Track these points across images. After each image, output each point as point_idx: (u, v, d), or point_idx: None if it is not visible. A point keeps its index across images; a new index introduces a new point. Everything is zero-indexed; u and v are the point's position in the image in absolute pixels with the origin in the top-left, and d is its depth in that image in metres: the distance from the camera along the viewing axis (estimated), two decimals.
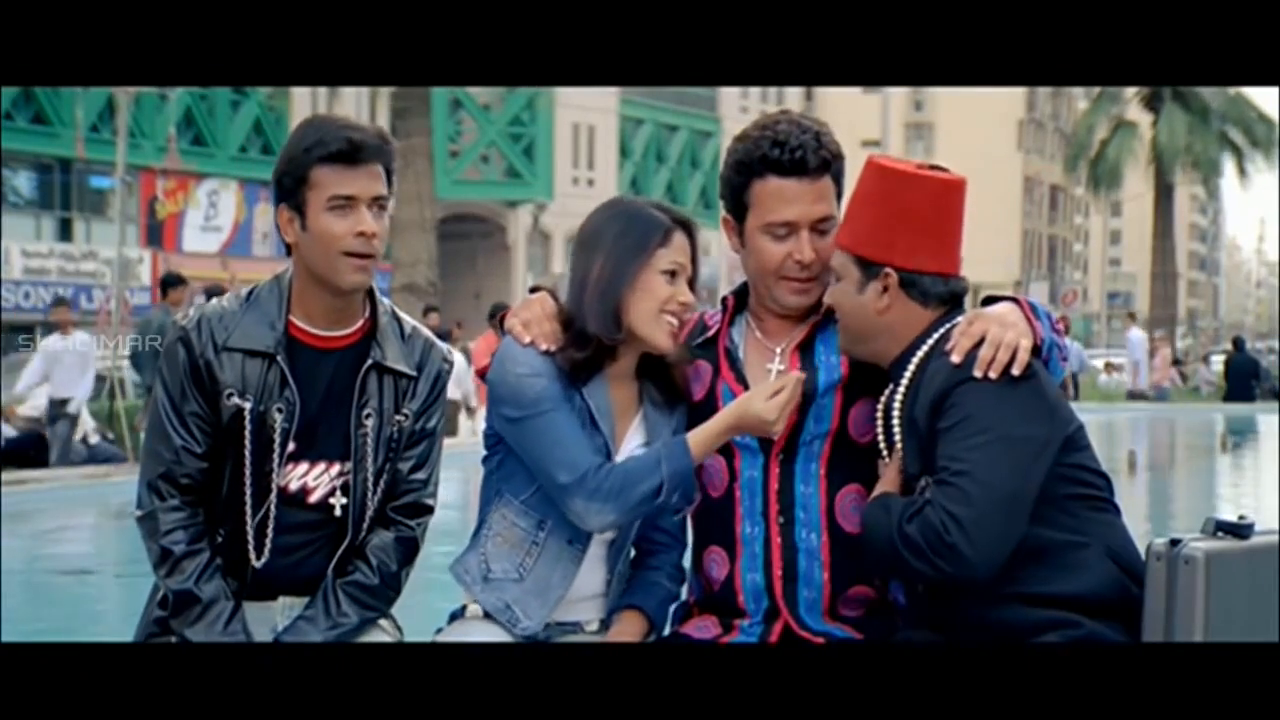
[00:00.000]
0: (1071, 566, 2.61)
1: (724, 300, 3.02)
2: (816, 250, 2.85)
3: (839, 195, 2.90)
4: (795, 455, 2.86)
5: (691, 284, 2.88)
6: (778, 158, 2.82)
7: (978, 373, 2.60)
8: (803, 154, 2.82)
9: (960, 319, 2.73)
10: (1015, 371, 2.61)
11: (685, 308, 2.86)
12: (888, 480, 2.73)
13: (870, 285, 2.75)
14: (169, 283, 14.09)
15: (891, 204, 2.74)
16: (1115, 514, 2.71)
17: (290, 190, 2.82)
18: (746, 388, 2.88)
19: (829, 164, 2.85)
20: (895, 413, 2.74)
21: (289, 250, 2.89)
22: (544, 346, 2.85)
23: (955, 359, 2.62)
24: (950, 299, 2.78)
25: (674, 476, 2.76)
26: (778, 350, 2.93)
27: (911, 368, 2.73)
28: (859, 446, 2.86)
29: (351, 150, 2.78)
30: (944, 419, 2.61)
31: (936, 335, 2.73)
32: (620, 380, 2.91)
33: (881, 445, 2.80)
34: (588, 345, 2.84)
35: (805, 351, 2.91)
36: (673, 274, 2.84)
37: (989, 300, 2.78)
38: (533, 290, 3.02)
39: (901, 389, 2.73)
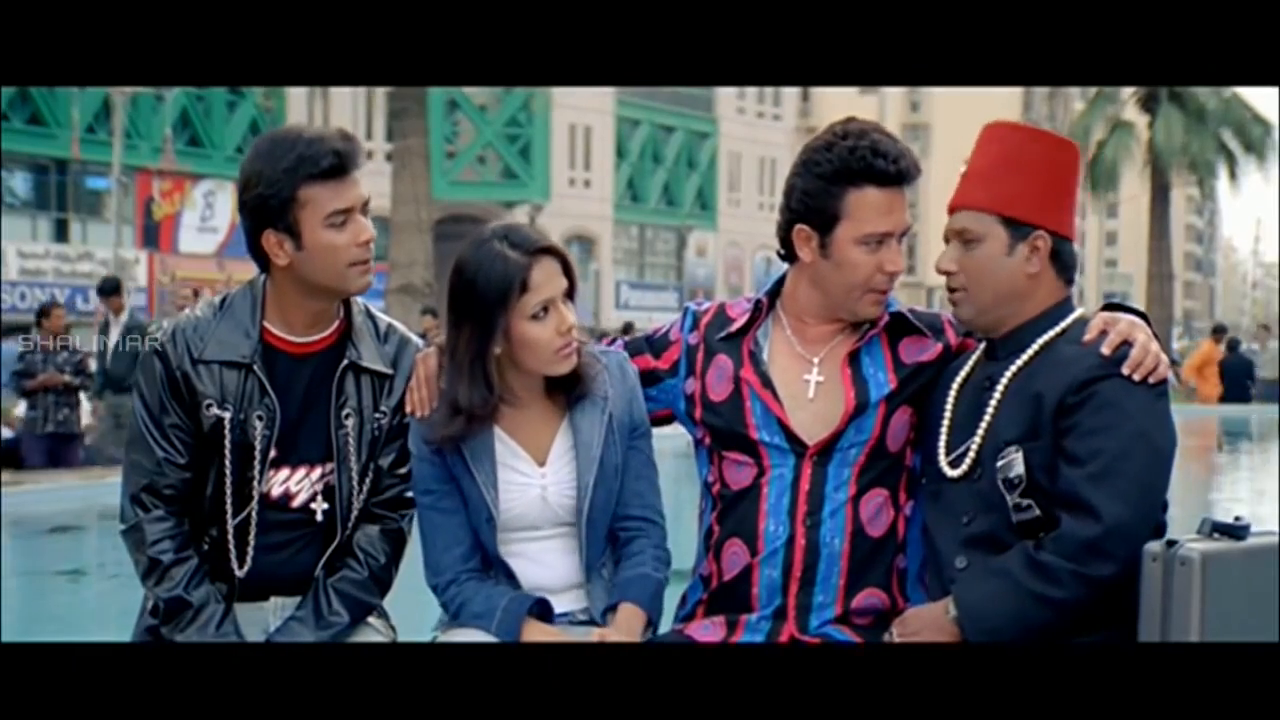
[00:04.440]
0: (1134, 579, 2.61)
1: (758, 302, 2.97)
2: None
3: None
4: (830, 459, 2.85)
5: (571, 293, 2.83)
6: (883, 168, 2.79)
7: (1126, 370, 2.63)
8: (903, 164, 2.80)
9: (1084, 313, 2.78)
10: (1157, 380, 2.65)
11: (571, 333, 2.82)
12: (938, 609, 2.70)
13: (1019, 247, 2.75)
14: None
15: (1045, 167, 2.77)
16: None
17: (277, 212, 2.77)
18: (773, 392, 2.87)
19: (919, 173, 2.84)
20: (1001, 384, 2.74)
21: (265, 267, 2.86)
22: (418, 414, 2.88)
23: (1106, 351, 2.64)
24: (1071, 275, 2.81)
25: (499, 636, 2.78)
26: (815, 360, 2.91)
27: (1037, 345, 2.74)
28: (890, 455, 2.88)
29: (340, 164, 2.77)
30: (1087, 405, 2.62)
31: (1068, 321, 2.76)
32: (534, 395, 2.90)
33: (945, 426, 2.80)
34: (455, 419, 2.82)
35: (853, 364, 2.89)
36: (545, 309, 2.79)
37: (1109, 307, 2.80)
38: (422, 336, 3.02)
39: (1018, 362, 2.74)
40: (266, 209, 2.78)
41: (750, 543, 2.86)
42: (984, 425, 2.74)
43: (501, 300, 2.77)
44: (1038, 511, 2.64)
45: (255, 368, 2.84)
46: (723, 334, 2.96)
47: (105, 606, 7.34)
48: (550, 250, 2.82)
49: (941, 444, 2.80)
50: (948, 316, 2.96)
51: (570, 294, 2.84)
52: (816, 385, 2.88)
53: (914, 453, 2.92)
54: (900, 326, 2.92)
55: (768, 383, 2.88)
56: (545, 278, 2.80)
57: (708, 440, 2.95)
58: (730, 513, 2.90)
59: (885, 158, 2.79)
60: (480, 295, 2.78)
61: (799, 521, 2.84)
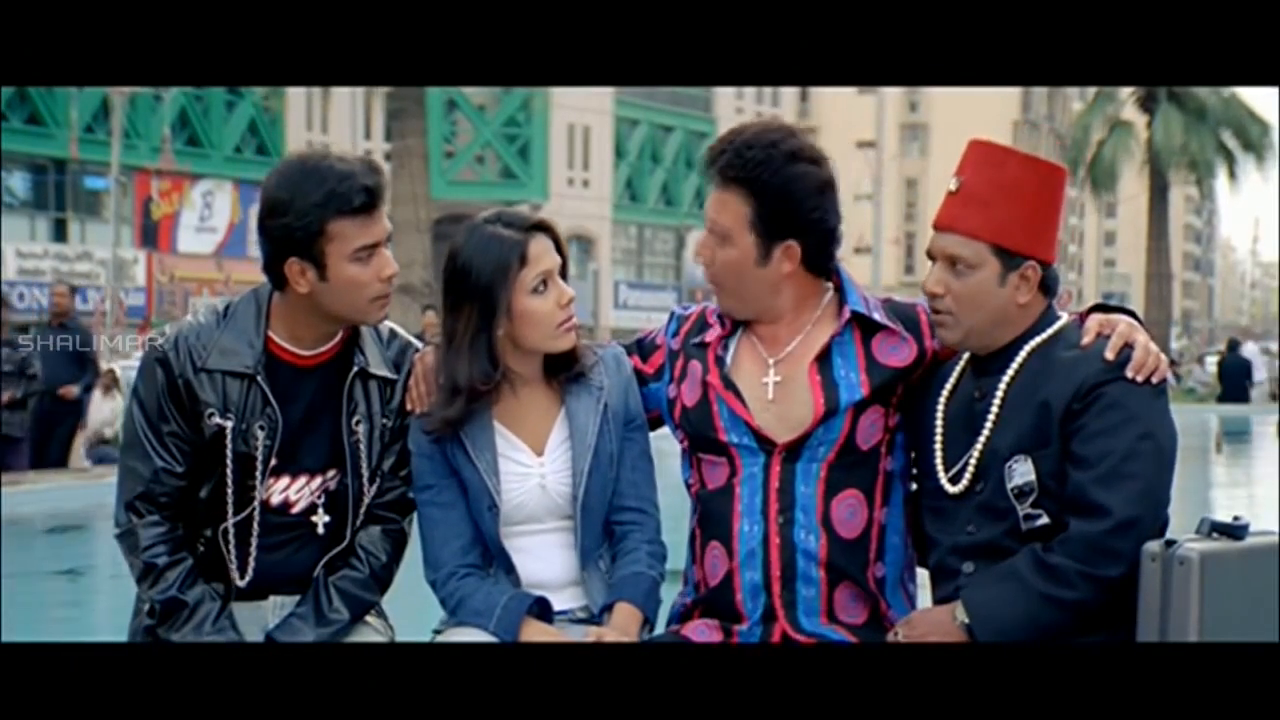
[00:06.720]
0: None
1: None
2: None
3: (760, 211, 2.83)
4: (799, 456, 2.85)
5: (564, 271, 2.88)
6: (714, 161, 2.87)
7: (1130, 373, 2.64)
8: (719, 159, 2.85)
9: (1073, 315, 2.77)
10: (1158, 379, 2.66)
11: (571, 306, 2.87)
12: (945, 614, 2.69)
13: (1010, 277, 2.74)
14: None
15: (1042, 197, 2.76)
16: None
17: (303, 243, 2.75)
18: (737, 395, 2.87)
19: (736, 177, 2.83)
20: (997, 396, 2.73)
21: (280, 288, 2.84)
22: (417, 410, 2.90)
23: (1110, 355, 2.65)
24: (1055, 292, 2.82)
25: (498, 634, 2.78)
26: (771, 362, 2.91)
27: (1023, 353, 2.74)
28: (861, 452, 2.87)
29: (372, 200, 2.77)
30: (1092, 408, 2.63)
31: (1055, 326, 2.76)
32: (531, 384, 2.92)
33: (938, 444, 2.79)
34: (455, 400, 2.83)
35: (823, 365, 2.88)
36: (545, 282, 2.83)
37: (1100, 308, 2.80)
38: (419, 336, 3.02)
39: (1009, 373, 2.74)
40: (292, 239, 2.76)
41: (726, 544, 2.86)
42: (983, 438, 2.73)
43: (503, 276, 2.80)
44: (1047, 520, 2.65)
45: (259, 378, 2.83)
46: (698, 339, 2.97)
47: (105, 606, 7.35)
48: (542, 226, 2.87)
49: (939, 461, 2.80)
50: (924, 309, 2.95)
51: (563, 272, 2.88)
52: (775, 386, 2.88)
53: (889, 456, 2.91)
54: (870, 322, 2.91)
55: (730, 385, 2.89)
56: (542, 250, 2.84)
57: (685, 444, 2.98)
58: (709, 515, 2.92)
59: (719, 152, 2.84)
60: (480, 275, 2.81)
61: (771, 520, 2.84)
